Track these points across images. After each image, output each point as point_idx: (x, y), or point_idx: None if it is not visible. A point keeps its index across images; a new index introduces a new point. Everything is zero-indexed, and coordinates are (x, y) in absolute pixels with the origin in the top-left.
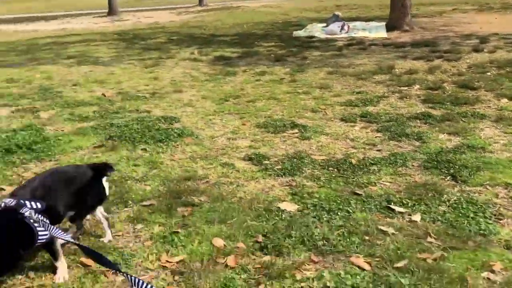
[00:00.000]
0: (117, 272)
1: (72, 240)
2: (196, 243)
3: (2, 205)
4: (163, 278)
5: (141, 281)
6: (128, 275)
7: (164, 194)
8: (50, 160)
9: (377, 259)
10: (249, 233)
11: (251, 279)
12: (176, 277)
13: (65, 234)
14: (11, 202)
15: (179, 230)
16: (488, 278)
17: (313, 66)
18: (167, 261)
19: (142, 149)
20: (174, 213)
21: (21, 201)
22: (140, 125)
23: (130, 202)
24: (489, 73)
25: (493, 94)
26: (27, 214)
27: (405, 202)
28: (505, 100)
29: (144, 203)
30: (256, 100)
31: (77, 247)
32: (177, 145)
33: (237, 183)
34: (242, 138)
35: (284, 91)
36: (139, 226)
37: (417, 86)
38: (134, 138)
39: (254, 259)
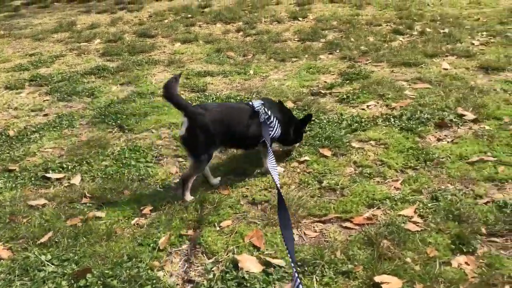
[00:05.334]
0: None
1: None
2: None
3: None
4: None
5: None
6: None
7: None
8: None
9: (20, 241)
10: None
11: None
12: None
13: None
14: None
15: None
16: (137, 224)
17: None
18: None
19: None
20: None
21: None
22: None
23: None
24: (166, 20)
25: (169, 39)
26: None
27: (65, 166)
28: (178, 44)
29: None
30: None
31: None
32: None
33: None
34: None
35: None
36: None
37: (98, 40)
38: None
39: None
